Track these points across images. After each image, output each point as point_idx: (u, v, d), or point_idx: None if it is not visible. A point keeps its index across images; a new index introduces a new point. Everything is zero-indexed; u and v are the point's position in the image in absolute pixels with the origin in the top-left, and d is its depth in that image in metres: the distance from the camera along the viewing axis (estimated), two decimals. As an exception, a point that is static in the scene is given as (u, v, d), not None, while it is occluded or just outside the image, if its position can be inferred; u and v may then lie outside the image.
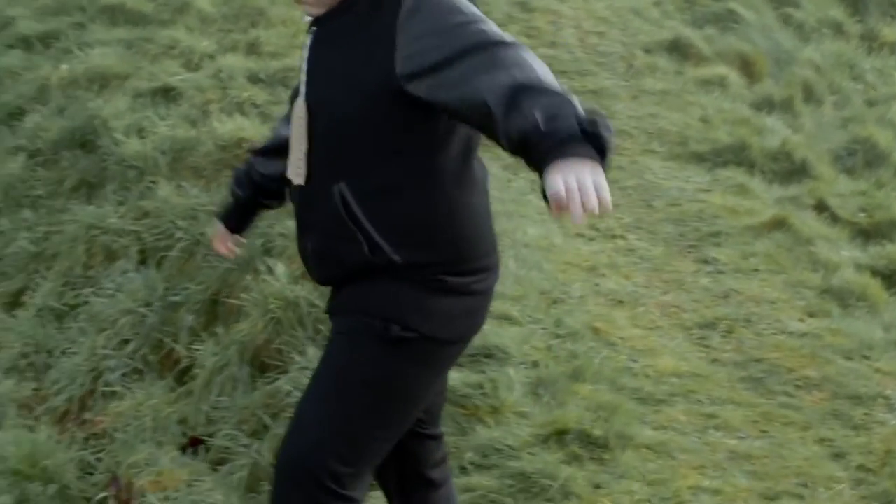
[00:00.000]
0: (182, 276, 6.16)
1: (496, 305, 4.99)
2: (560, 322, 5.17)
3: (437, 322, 2.67)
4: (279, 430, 4.72)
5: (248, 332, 5.36)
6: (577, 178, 2.23)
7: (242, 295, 5.58)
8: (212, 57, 8.27)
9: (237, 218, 3.35)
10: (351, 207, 2.63)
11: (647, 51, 9.50)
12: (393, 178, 2.65)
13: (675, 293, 5.83)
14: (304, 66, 2.80)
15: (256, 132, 6.96)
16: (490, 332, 4.82)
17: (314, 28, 2.79)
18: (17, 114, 8.42)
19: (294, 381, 4.88)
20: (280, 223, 5.85)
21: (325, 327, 5.14)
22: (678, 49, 9.58)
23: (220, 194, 6.50)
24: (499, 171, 6.97)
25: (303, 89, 2.78)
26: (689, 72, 9.33)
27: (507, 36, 2.54)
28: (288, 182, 2.87)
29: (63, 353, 6.15)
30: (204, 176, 6.88)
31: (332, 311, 2.86)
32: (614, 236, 6.53)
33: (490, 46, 2.50)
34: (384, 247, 2.64)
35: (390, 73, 2.56)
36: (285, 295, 5.35)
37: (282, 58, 8.21)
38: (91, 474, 5.14)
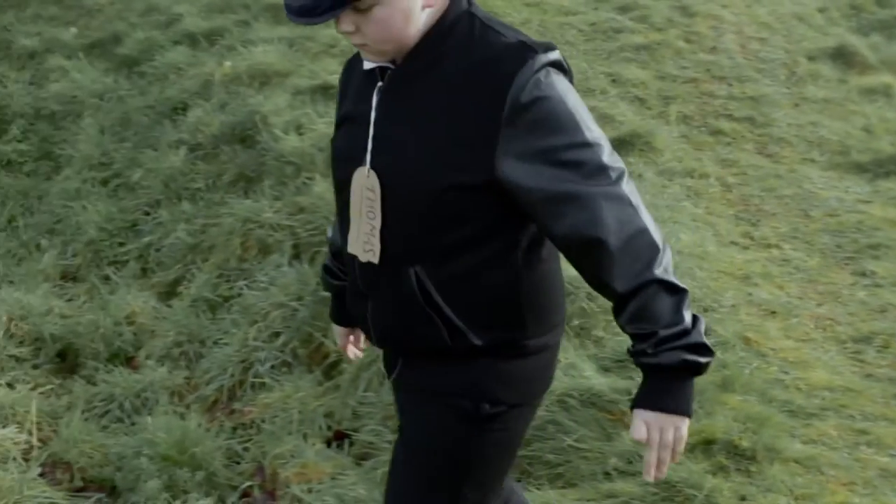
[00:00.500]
0: (333, 272, 6.21)
1: (645, 311, 4.93)
2: (710, 331, 5.08)
3: (522, 388, 2.57)
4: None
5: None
6: (661, 434, 2.35)
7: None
8: (370, 56, 8.35)
9: (344, 310, 2.94)
10: (429, 292, 2.40)
11: (811, 58, 9.30)
12: (475, 262, 2.40)
13: (830, 305, 5.70)
14: (371, 127, 2.44)
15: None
16: (638, 338, 4.76)
17: (382, 78, 2.45)
18: (180, 108, 8.63)
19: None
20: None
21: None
22: (842, 56, 9.36)
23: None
24: (653, 176, 6.91)
25: (369, 155, 2.43)
26: (853, 80, 9.11)
27: (617, 164, 2.37)
28: (341, 253, 2.69)
29: (215, 343, 6.26)
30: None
31: (402, 385, 2.66)
32: (769, 245, 6.41)
33: (611, 191, 2.31)
34: (466, 332, 2.44)
35: (489, 170, 2.29)
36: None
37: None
38: (238, 463, 5.22)
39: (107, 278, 7.52)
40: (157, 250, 7.60)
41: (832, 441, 4.42)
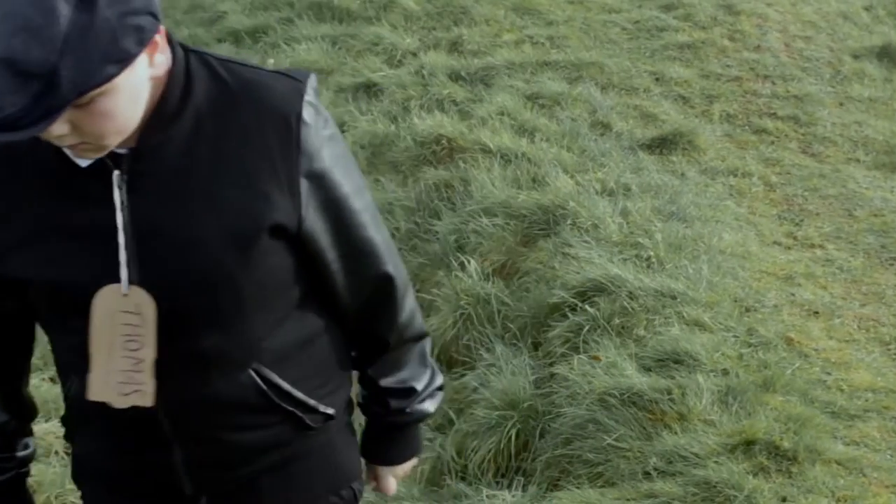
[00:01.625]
0: (376, 270, 6.23)
1: (688, 311, 4.92)
2: (753, 331, 5.05)
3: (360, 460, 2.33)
4: (463, 425, 4.75)
5: (438, 326, 5.40)
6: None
7: (434, 290, 5.62)
8: (414, 54, 8.37)
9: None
10: (275, 384, 2.00)
11: (856, 56, 9.23)
12: (303, 330, 2.07)
13: (874, 306, 5.65)
14: (122, 234, 1.84)
15: (455, 129, 7.01)
16: (681, 338, 4.75)
17: (115, 167, 1.84)
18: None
19: (481, 377, 4.90)
20: (474, 220, 5.88)
21: (515, 325, 5.15)
22: (888, 55, 9.28)
23: (416, 190, 6.57)
24: (696, 175, 6.88)
25: (124, 270, 1.85)
26: (900, 79, 9.04)
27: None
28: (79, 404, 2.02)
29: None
30: (402, 171, 6.96)
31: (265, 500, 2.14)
32: (812, 245, 6.37)
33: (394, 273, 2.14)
34: (317, 407, 2.10)
35: (299, 220, 1.92)
36: (476, 291, 5.37)
37: (484, 56, 8.26)
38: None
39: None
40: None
41: (875, 443, 4.39)
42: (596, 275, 5.14)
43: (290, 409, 2.03)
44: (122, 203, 1.83)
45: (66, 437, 2.22)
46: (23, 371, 2.12)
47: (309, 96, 1.89)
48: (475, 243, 5.78)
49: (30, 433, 2.19)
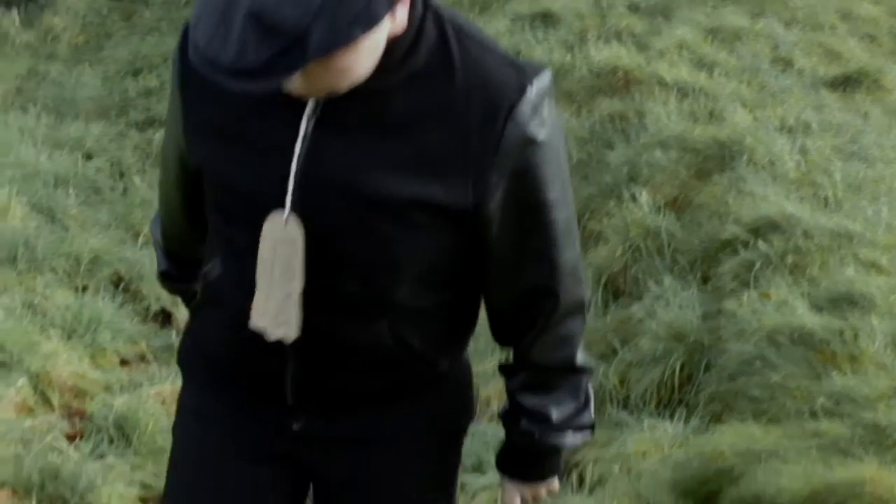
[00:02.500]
0: (545, 198, 6.20)
1: (864, 252, 4.78)
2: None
3: (472, 397, 2.30)
4: (627, 355, 4.71)
5: (607, 257, 5.35)
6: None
7: (604, 220, 5.57)
8: (593, -16, 8.26)
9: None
10: (404, 342, 2.00)
11: None
12: (443, 299, 2.03)
13: None
14: (294, 164, 1.84)
15: (632, 61, 6.91)
16: (856, 280, 4.62)
17: (313, 103, 1.84)
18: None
19: (647, 308, 4.84)
20: (648, 153, 5.80)
21: (684, 258, 5.07)
22: None
23: (590, 120, 6.51)
24: (880, 115, 6.68)
25: (289, 199, 1.85)
26: None
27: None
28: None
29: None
30: (576, 101, 6.90)
31: (326, 439, 2.13)
32: None
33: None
34: (440, 363, 2.08)
35: (468, 207, 1.86)
36: (647, 223, 5.31)
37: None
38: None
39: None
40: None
41: None
42: (770, 212, 5.03)
43: (410, 363, 2.02)
44: (305, 133, 1.82)
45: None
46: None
47: (531, 94, 1.81)
48: (647, 175, 5.70)
49: None
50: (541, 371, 2.09)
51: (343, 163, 1.82)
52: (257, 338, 1.96)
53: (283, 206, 1.85)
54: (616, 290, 5.27)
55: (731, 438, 3.83)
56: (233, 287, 2.00)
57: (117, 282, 5.92)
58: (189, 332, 2.21)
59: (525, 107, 1.80)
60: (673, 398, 4.50)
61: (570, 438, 2.13)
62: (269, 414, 2.09)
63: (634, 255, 5.26)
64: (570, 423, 2.11)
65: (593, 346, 4.98)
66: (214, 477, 2.16)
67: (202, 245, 2.13)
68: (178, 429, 2.25)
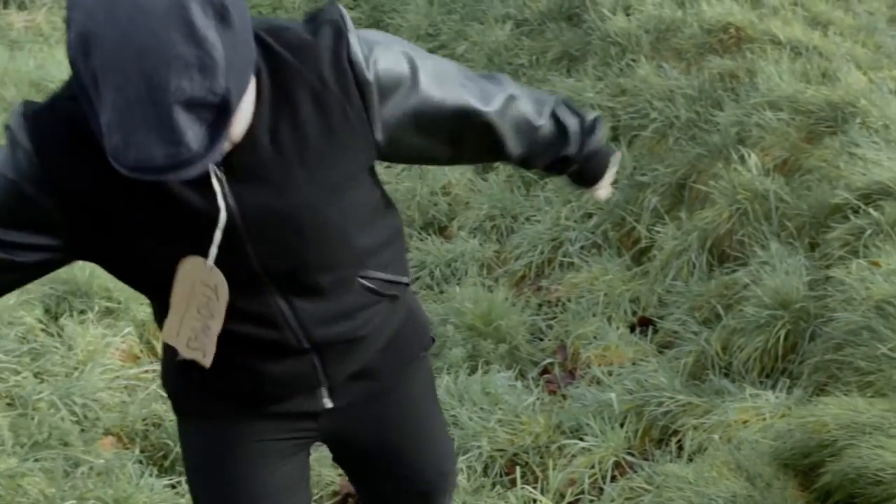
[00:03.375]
0: (651, 157, 6.13)
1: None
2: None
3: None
4: (731, 321, 4.64)
5: (712, 219, 5.27)
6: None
7: (711, 182, 5.48)
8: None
9: None
10: (377, 279, 2.31)
11: None
12: (386, 229, 2.33)
13: None
14: (222, 219, 2.00)
15: (744, 18, 6.78)
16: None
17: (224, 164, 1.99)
18: (508, -17, 8.62)
19: (753, 274, 4.77)
20: (758, 113, 5.69)
21: (792, 224, 4.98)
22: None
23: (699, 79, 6.40)
24: None
25: (214, 250, 2.02)
26: None
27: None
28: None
29: (527, 219, 6.30)
30: (685, 58, 6.79)
31: (376, 393, 2.49)
32: None
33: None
34: (403, 280, 2.42)
35: (371, 157, 2.16)
36: (755, 186, 5.21)
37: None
38: (541, 339, 5.27)
39: (426, 148, 7.65)
40: (477, 123, 7.66)
41: None
42: (884, 177, 4.91)
43: (391, 293, 2.35)
44: (223, 192, 1.97)
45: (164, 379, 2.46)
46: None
47: (348, 31, 2.04)
48: (757, 137, 5.59)
49: None
50: (537, 142, 2.47)
51: (268, 197, 2.01)
52: (281, 362, 2.25)
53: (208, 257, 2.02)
54: (721, 255, 5.19)
55: (835, 410, 3.76)
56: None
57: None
58: (178, 375, 2.35)
59: (354, 45, 2.03)
60: (776, 367, 4.43)
61: (593, 138, 2.56)
62: (295, 406, 2.37)
63: (741, 218, 5.17)
64: (585, 136, 2.54)
65: (696, 311, 4.93)
66: (247, 480, 2.43)
67: None
68: (196, 464, 2.50)
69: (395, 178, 7.23)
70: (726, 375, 4.50)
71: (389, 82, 2.09)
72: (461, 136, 2.29)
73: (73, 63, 1.72)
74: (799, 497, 3.65)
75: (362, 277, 2.25)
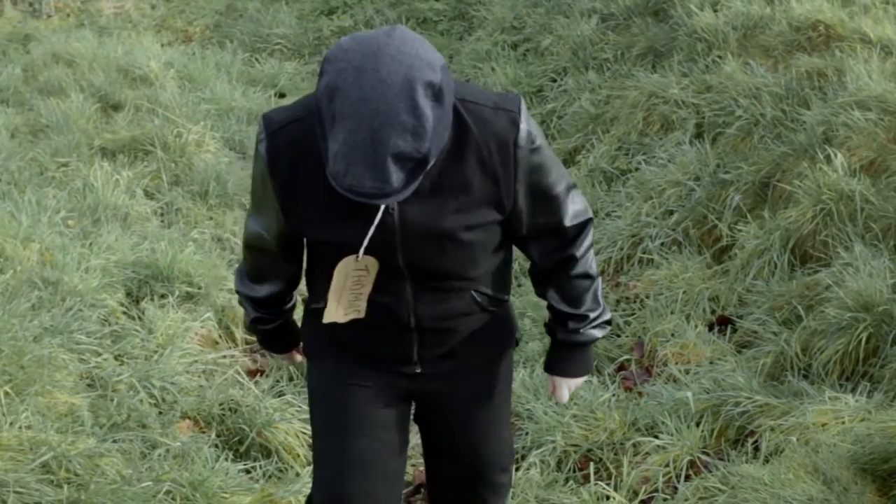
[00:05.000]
0: (735, 155, 6.07)
1: None
2: None
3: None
4: (811, 322, 4.59)
5: (796, 219, 5.21)
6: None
7: (795, 181, 5.41)
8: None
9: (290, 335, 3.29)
10: (485, 294, 2.90)
11: None
12: (499, 259, 2.91)
13: None
14: (374, 226, 2.68)
15: (834, 16, 6.69)
16: None
17: None
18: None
19: (835, 275, 4.70)
20: (845, 113, 5.61)
21: (878, 225, 4.91)
22: None
23: (786, 77, 6.33)
24: None
25: (364, 245, 2.72)
26: None
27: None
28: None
29: (607, 215, 6.27)
30: (773, 56, 6.72)
31: (458, 371, 3.02)
32: None
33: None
34: (504, 297, 2.99)
35: (508, 211, 2.75)
36: (840, 187, 5.14)
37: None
38: (618, 336, 5.24)
39: (508, 141, 7.65)
40: (560, 117, 7.66)
41: None
42: (972, 181, 4.83)
43: (491, 307, 2.94)
44: (390, 208, 2.64)
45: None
46: (300, 259, 2.98)
47: (521, 125, 2.65)
48: (844, 137, 5.51)
49: (295, 290, 3.14)
50: (571, 285, 2.95)
51: (424, 218, 2.66)
52: (389, 332, 2.88)
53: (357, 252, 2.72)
54: (803, 255, 5.13)
55: (917, 416, 3.71)
56: None
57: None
58: (313, 329, 3.03)
59: (522, 135, 2.66)
60: (857, 370, 4.36)
61: (600, 332, 3.03)
62: (392, 366, 2.96)
63: (825, 219, 5.10)
64: (598, 321, 3.01)
65: (776, 311, 4.88)
66: (354, 408, 2.99)
67: (285, 290, 3.07)
68: (317, 392, 3.08)
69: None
70: (805, 377, 4.44)
71: (534, 167, 2.71)
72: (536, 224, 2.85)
73: (318, 101, 2.37)
74: (877, 502, 3.60)
75: (475, 291, 2.87)
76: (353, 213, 2.62)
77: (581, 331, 3.00)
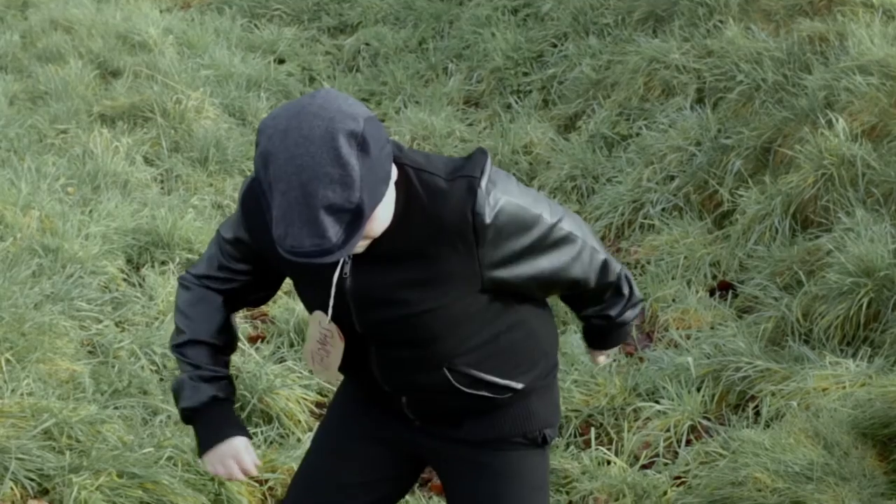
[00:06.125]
0: (737, 120, 6.06)
1: None
2: None
3: (558, 411, 2.93)
4: (812, 288, 4.59)
5: (797, 184, 5.20)
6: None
7: (796, 146, 5.40)
8: None
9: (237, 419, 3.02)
10: (466, 374, 2.68)
11: None
12: (493, 333, 2.69)
13: None
14: (333, 289, 2.62)
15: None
16: None
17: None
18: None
19: (836, 240, 4.70)
20: (847, 78, 5.59)
21: (879, 190, 4.90)
22: None
23: (788, 41, 6.30)
24: None
25: (329, 311, 2.65)
26: None
27: (568, 224, 2.71)
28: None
29: (608, 180, 6.26)
30: (774, 20, 6.68)
31: (461, 440, 2.83)
32: None
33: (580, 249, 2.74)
34: (508, 385, 2.74)
35: (479, 281, 2.57)
36: (842, 152, 5.13)
37: None
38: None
39: (508, 106, 7.63)
40: (560, 83, 7.62)
41: None
42: (974, 145, 4.82)
43: (479, 392, 2.70)
44: (344, 273, 2.57)
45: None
46: (241, 306, 2.90)
47: (480, 191, 2.47)
48: (845, 101, 5.50)
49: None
50: (598, 300, 2.84)
51: (379, 289, 2.56)
52: (375, 387, 2.76)
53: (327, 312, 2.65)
54: (805, 220, 5.12)
55: (918, 381, 3.71)
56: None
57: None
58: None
59: (480, 201, 2.47)
60: (858, 335, 4.37)
61: (631, 313, 2.89)
62: (396, 414, 2.82)
63: (826, 184, 5.09)
64: (627, 307, 2.87)
65: (777, 276, 4.87)
66: (344, 447, 2.93)
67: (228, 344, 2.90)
68: (329, 410, 3.05)
69: (477, 136, 7.23)
70: (806, 342, 4.45)
71: (502, 230, 2.50)
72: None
73: (256, 172, 2.34)
74: (877, 467, 3.61)
75: (449, 369, 2.65)
76: (312, 278, 2.62)
77: (615, 319, 2.90)
